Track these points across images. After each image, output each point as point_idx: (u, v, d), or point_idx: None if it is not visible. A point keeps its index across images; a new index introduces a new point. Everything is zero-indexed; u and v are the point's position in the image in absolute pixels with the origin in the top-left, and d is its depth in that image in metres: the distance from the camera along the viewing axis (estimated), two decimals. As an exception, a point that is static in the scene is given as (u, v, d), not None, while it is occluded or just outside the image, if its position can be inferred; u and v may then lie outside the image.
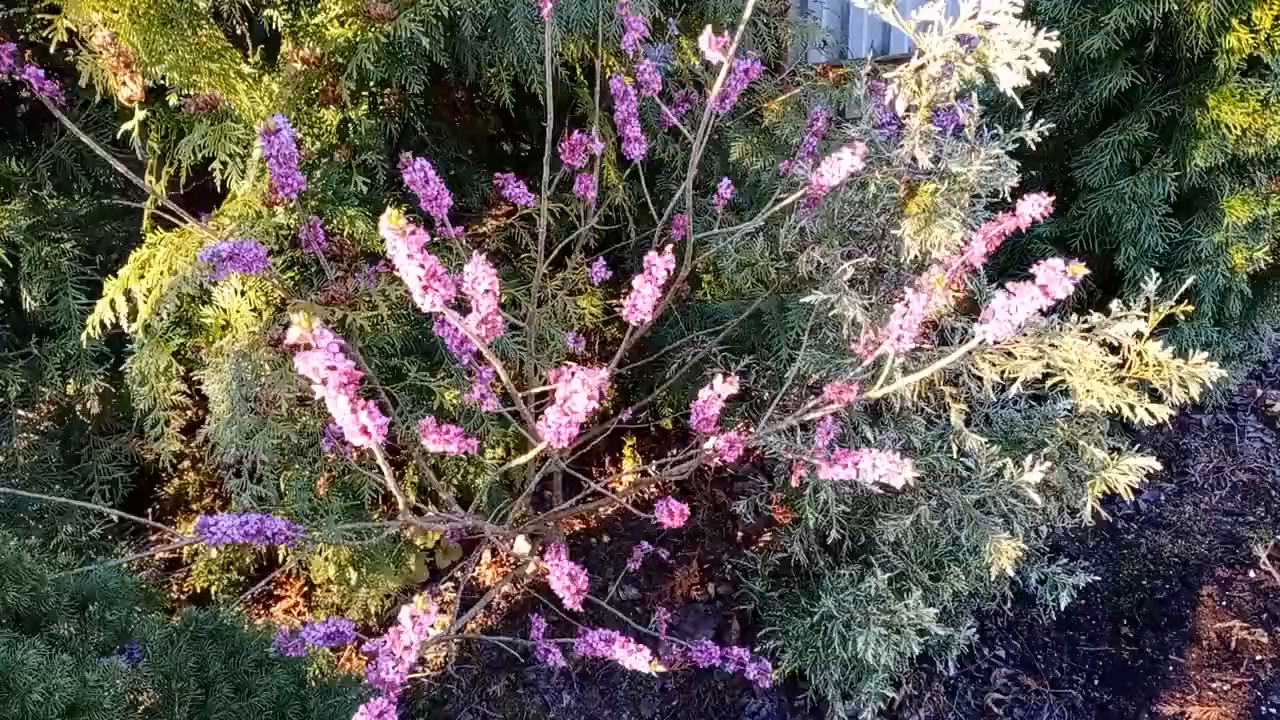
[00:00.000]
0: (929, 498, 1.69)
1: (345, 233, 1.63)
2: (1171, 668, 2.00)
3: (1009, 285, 1.01)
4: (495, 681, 2.22)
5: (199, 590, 2.33)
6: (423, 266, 0.85)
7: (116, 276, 1.61)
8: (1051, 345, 1.55)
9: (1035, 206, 1.22)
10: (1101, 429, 1.79)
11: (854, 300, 1.49)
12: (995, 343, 1.48)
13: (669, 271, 1.12)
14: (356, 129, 1.69)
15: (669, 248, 1.12)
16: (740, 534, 2.50)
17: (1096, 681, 2.03)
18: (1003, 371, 1.55)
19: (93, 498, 1.80)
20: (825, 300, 1.50)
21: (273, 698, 1.29)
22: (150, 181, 1.65)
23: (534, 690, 2.22)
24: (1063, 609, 1.72)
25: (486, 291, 0.98)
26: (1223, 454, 2.59)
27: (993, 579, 1.62)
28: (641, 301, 1.15)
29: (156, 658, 1.22)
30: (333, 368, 0.76)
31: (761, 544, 2.45)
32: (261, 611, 2.45)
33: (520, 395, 1.21)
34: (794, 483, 1.26)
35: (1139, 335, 1.57)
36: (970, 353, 1.60)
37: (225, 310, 1.62)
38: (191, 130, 1.61)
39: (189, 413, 2.03)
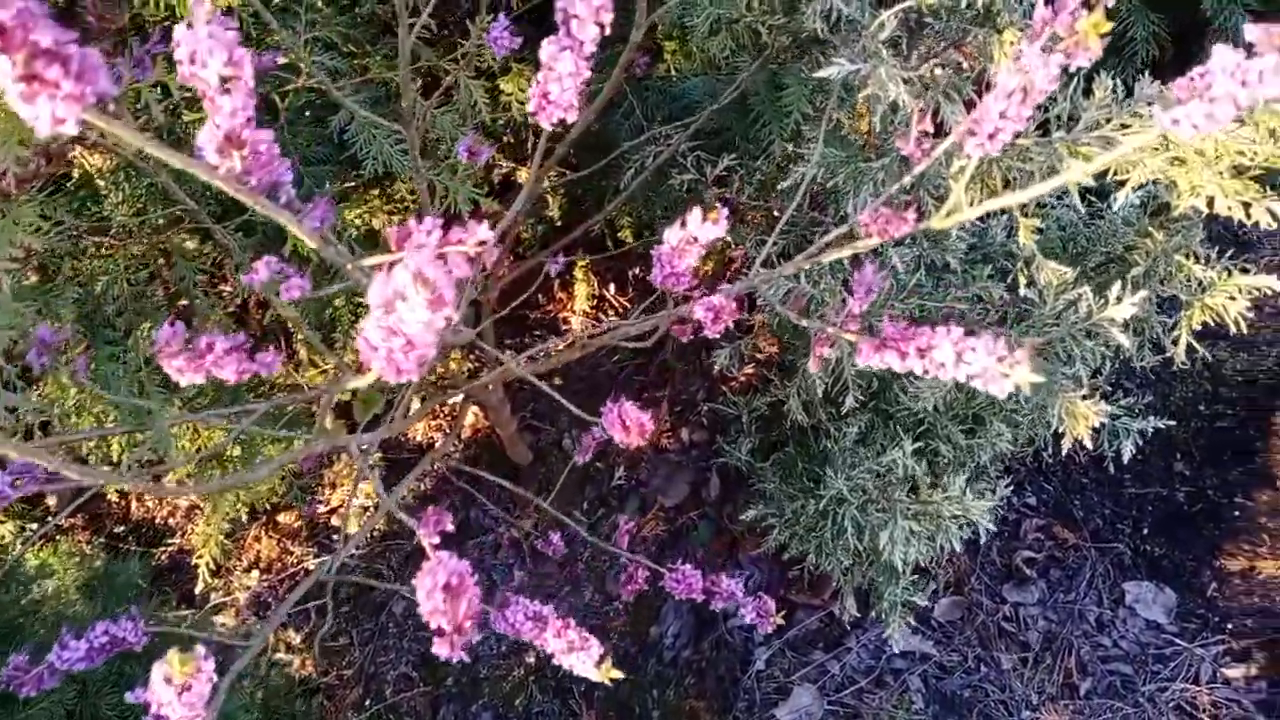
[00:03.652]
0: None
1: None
2: (1238, 512, 1.68)
3: (1253, 27, 0.52)
4: (433, 559, 1.87)
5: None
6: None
7: None
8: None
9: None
10: (1200, 237, 1.35)
11: (895, 72, 0.98)
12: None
13: (601, 28, 0.61)
14: None
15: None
16: (716, 369, 2.09)
17: (1146, 531, 1.71)
18: (1105, 171, 1.07)
19: None
20: (851, 74, 0.99)
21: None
22: None
23: (479, 566, 1.87)
24: (1125, 460, 1.35)
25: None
26: (1290, 245, 2.17)
27: (1063, 452, 1.23)
28: (557, 88, 0.64)
29: None
30: None
31: (743, 379, 2.05)
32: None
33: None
34: (813, 367, 0.82)
35: (1282, 106, 1.09)
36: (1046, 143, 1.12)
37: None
38: None
39: None
